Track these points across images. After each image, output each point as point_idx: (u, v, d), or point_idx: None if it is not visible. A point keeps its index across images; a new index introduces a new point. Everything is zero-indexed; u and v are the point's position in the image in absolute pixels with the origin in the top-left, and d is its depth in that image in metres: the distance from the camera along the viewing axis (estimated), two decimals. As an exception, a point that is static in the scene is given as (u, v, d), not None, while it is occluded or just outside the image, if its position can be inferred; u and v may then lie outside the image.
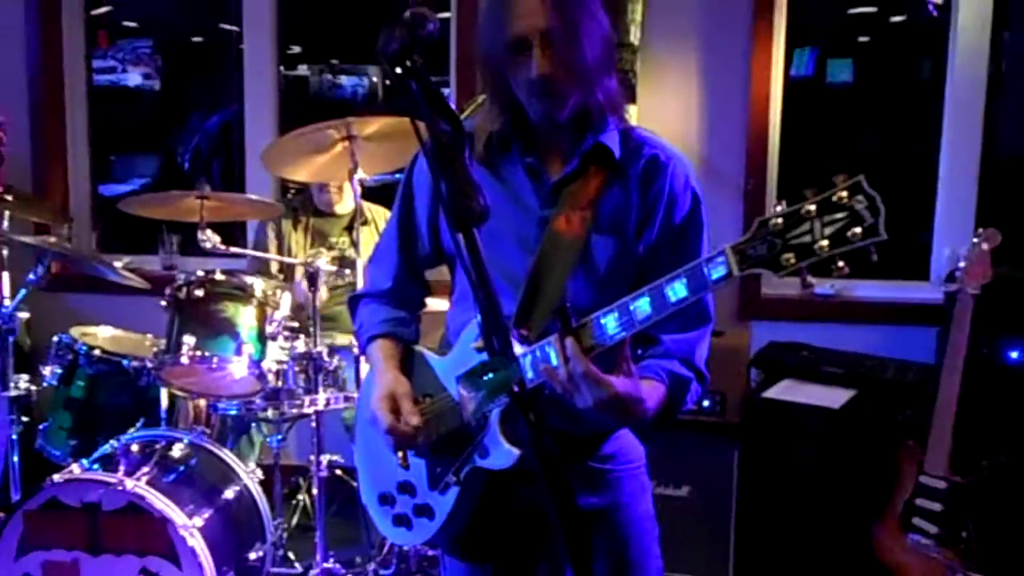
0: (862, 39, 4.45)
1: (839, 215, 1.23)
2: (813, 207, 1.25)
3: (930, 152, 3.84)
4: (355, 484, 3.49)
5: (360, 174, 2.89)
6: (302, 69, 5.66)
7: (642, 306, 1.39)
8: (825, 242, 1.24)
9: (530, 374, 1.49)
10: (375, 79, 6.00)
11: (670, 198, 1.65)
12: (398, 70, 1.34)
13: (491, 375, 1.52)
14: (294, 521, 3.52)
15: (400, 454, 1.70)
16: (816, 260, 1.25)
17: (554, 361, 1.44)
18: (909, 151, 4.36)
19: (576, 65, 1.57)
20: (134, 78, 5.96)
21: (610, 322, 1.42)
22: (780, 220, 1.27)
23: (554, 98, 1.59)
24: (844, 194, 1.23)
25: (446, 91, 4.03)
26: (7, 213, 3.22)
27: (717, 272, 1.32)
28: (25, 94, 4.15)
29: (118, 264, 3.24)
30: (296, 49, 5.28)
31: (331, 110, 5.89)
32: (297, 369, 2.87)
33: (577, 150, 1.65)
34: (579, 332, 1.42)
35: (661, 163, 1.67)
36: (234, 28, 4.34)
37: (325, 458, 2.87)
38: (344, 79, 6.03)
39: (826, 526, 3.06)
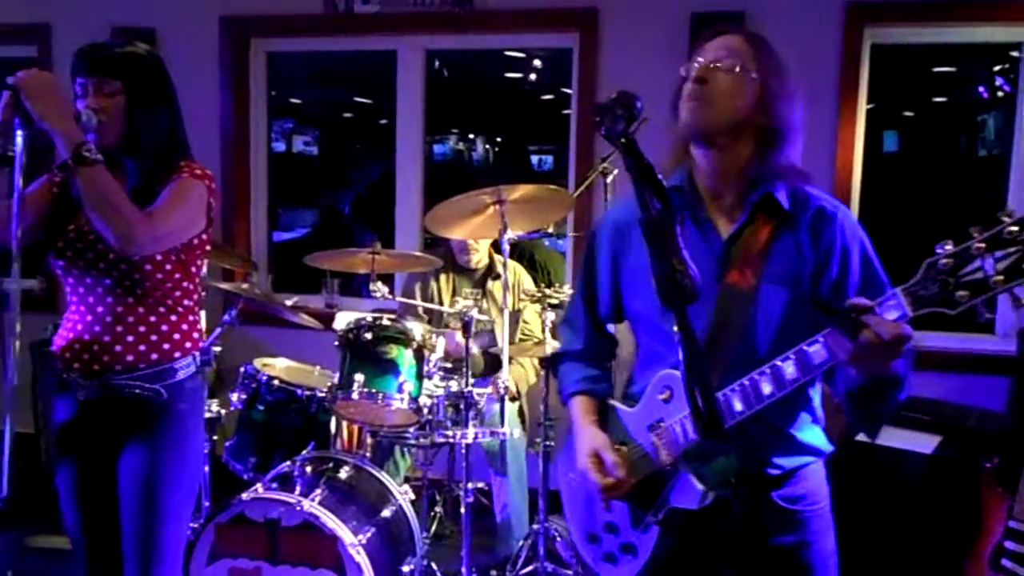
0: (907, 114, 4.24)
1: (1012, 249, 1.07)
2: (983, 244, 1.08)
3: (994, 210, 3.49)
4: (485, 501, 3.26)
5: (509, 233, 2.67)
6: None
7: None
8: (1000, 276, 1.07)
9: (739, 407, 1.36)
10: (453, 145, 6.10)
11: (843, 248, 1.44)
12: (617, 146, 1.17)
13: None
14: (432, 530, 3.29)
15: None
16: (992, 295, 1.08)
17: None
18: (968, 212, 4.02)
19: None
20: (297, 145, 5.94)
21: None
22: (950, 259, 1.11)
23: None
24: (1015, 229, 1.06)
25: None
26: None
27: (891, 315, 1.17)
28: (218, 160, 4.04)
29: (288, 302, 3.08)
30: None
31: (441, 170, 5.86)
32: (447, 403, 2.66)
33: (746, 203, 1.45)
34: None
35: (829, 214, 1.46)
36: (367, 100, 4.21)
37: (472, 485, 2.61)
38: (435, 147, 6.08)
39: (915, 559, 2.74)
